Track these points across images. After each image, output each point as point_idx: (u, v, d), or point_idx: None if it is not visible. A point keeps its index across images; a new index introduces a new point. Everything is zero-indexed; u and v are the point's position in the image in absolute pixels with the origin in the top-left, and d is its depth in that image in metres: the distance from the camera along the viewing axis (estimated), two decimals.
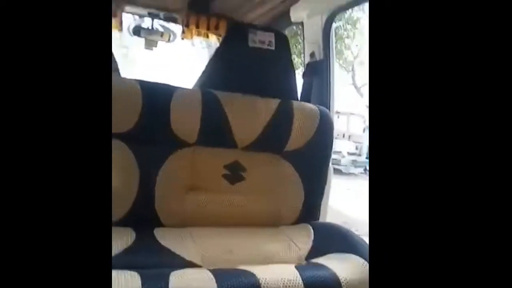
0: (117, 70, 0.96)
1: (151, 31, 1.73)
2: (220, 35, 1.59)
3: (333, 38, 1.12)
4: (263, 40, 0.94)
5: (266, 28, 0.96)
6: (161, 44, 1.76)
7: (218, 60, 0.97)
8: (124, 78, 0.86)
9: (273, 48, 0.94)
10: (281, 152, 0.96)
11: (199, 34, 1.62)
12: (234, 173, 0.95)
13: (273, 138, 0.95)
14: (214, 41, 1.74)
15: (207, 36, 1.65)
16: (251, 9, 1.39)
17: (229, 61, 0.95)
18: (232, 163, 0.95)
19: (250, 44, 0.93)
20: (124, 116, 0.83)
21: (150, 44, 1.73)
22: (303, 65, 1.23)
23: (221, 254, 0.76)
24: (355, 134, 8.87)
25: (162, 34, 1.74)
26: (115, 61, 0.96)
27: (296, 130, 0.93)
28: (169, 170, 0.87)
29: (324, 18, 1.08)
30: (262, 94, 0.94)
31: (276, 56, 0.95)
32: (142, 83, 0.85)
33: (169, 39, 1.75)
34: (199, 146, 0.91)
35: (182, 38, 1.65)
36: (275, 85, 0.97)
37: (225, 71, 0.95)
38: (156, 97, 0.86)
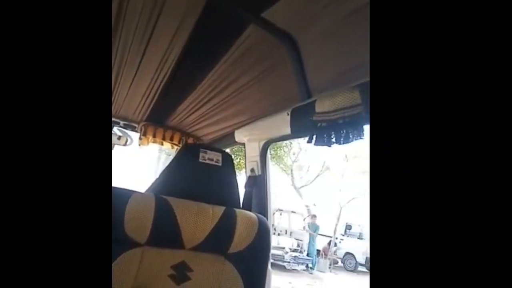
0: None
1: None
2: (174, 144, 1.80)
3: (268, 159, 1.39)
4: (211, 158, 1.16)
5: (214, 149, 1.19)
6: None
7: (172, 170, 1.14)
8: None
9: (220, 164, 1.15)
10: (224, 253, 1.08)
11: (154, 142, 1.82)
12: (181, 274, 1.03)
13: (218, 240, 1.07)
14: (166, 146, 1.95)
15: (162, 144, 1.85)
16: (202, 127, 1.66)
17: (181, 172, 1.13)
18: (179, 264, 1.03)
19: (200, 160, 1.13)
20: None
21: None
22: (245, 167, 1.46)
23: None
24: (296, 231, 9.09)
25: (119, 137, 1.91)
26: None
27: (238, 234, 1.08)
28: (117, 269, 0.93)
29: (261, 144, 1.35)
30: (209, 202, 1.11)
31: (222, 171, 1.16)
32: None
33: (125, 143, 1.92)
34: (148, 246, 0.99)
35: (139, 145, 1.82)
36: (221, 195, 1.15)
37: (177, 180, 1.11)
38: (113, 200, 0.97)
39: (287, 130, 1.18)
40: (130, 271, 0.95)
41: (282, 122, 1.19)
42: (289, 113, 1.15)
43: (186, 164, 1.13)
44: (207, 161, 1.14)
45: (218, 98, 1.30)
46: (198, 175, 1.13)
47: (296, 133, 1.18)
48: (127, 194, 1.00)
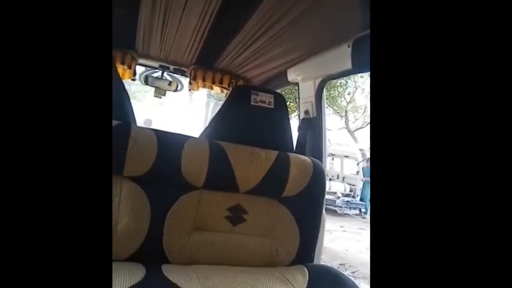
0: (134, 120, 1.09)
1: (160, 79, 1.89)
2: (224, 88, 1.76)
3: (324, 99, 1.28)
4: (263, 100, 1.09)
5: (266, 90, 1.11)
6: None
7: (223, 115, 1.11)
8: (140, 127, 0.99)
9: (272, 106, 1.09)
10: (279, 197, 1.07)
11: (204, 86, 1.79)
12: (236, 215, 1.05)
13: (271, 185, 1.06)
14: (216, 91, 1.92)
15: (212, 88, 1.82)
16: (252, 68, 1.57)
17: (233, 116, 1.09)
18: (234, 206, 1.05)
19: (252, 102, 1.07)
20: (139, 162, 0.94)
21: (159, 93, 1.89)
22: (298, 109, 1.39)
23: None
24: (348, 176, 9.00)
25: (170, 83, 1.91)
26: (133, 112, 1.09)
27: (292, 178, 1.05)
28: (177, 211, 0.97)
29: (317, 82, 1.24)
30: (262, 146, 1.07)
31: (275, 114, 1.10)
32: (157, 133, 0.98)
33: (176, 89, 1.92)
34: (205, 190, 1.01)
35: (189, 89, 1.81)
36: (274, 139, 1.10)
37: (229, 124, 1.09)
38: (170, 145, 0.98)
39: (348, 65, 1.06)
40: (189, 212, 0.99)
41: (341, 56, 1.07)
42: (350, 45, 1.03)
43: (237, 107, 1.09)
44: (259, 104, 1.08)
45: (268, 35, 1.19)
46: (250, 118, 1.08)
47: (358, 68, 1.06)
48: (182, 139, 1.00)
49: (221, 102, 1.32)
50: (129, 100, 1.05)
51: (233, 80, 1.73)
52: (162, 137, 0.98)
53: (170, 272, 0.88)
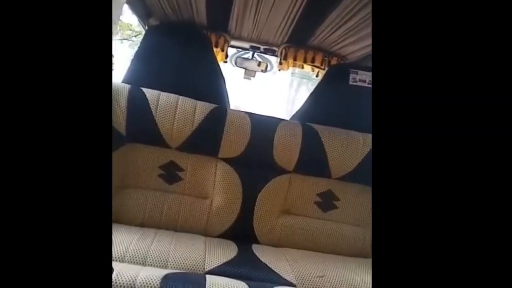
0: (229, 103, 1.11)
1: (250, 60, 1.90)
2: (316, 67, 1.67)
3: None
4: (363, 79, 0.99)
5: (367, 68, 1.01)
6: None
7: (318, 95, 1.05)
8: (236, 111, 1.00)
9: None
10: None
11: (294, 66, 1.73)
12: (327, 202, 1.00)
13: (369, 172, 0.97)
14: (306, 70, 1.84)
15: (302, 67, 1.75)
16: (348, 45, 1.45)
17: (329, 97, 1.02)
18: (325, 192, 1.00)
19: (351, 82, 0.99)
20: (233, 144, 0.95)
21: (249, 74, 1.90)
22: None
23: (314, 277, 0.82)
24: None
25: (259, 63, 1.91)
26: (228, 95, 1.11)
27: None
28: (268, 193, 0.97)
29: None
30: (360, 129, 0.99)
31: None
32: (251, 116, 0.97)
33: (266, 69, 1.91)
34: (296, 174, 0.98)
35: (279, 70, 1.77)
36: None
37: (324, 106, 1.03)
38: (263, 128, 0.97)
39: None
40: (279, 195, 0.98)
41: None
42: None
43: (334, 87, 1.02)
44: (358, 83, 0.99)
45: (364, 12, 1.06)
46: (348, 99, 1.00)
47: None
48: (275, 122, 0.98)
49: (305, 80, 1.25)
50: (225, 83, 1.07)
51: (326, 58, 1.63)
52: (256, 120, 0.97)
53: (261, 252, 0.90)
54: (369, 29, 1.19)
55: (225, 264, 0.80)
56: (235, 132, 0.95)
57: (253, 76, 1.93)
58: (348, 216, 1.00)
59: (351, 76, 0.99)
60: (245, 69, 1.92)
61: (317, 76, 1.76)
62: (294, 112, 1.14)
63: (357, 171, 0.97)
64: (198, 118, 0.94)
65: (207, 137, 0.95)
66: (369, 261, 0.94)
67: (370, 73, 0.99)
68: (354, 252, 0.98)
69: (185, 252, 0.79)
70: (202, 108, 0.95)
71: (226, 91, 1.07)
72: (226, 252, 0.86)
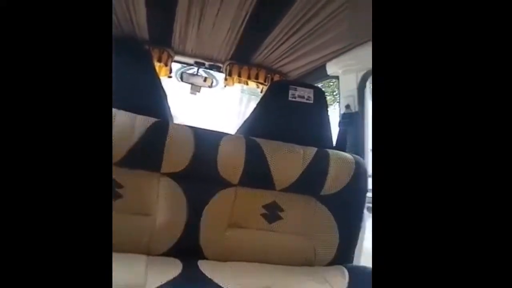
0: (171, 117, 1.10)
1: (195, 75, 1.90)
2: (259, 83, 1.73)
3: (367, 93, 1.21)
4: (302, 95, 1.05)
5: (306, 85, 1.07)
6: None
7: (260, 111, 1.08)
8: (178, 125, 0.99)
9: (311, 101, 1.04)
10: (317, 195, 1.02)
11: (239, 82, 1.77)
12: (272, 213, 1.02)
13: (310, 182, 1.01)
14: (251, 86, 1.89)
15: (247, 83, 1.80)
16: (289, 62, 1.53)
17: (270, 112, 1.06)
18: (270, 203, 1.02)
19: (290, 98, 1.03)
20: (176, 159, 0.94)
21: (194, 89, 1.90)
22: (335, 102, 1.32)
23: None
24: None
25: (205, 79, 1.91)
26: (170, 109, 1.09)
27: (332, 176, 1.00)
28: (213, 207, 0.96)
29: (360, 75, 1.18)
30: (300, 142, 1.03)
31: (314, 109, 1.05)
32: (194, 130, 0.97)
33: (211, 85, 1.92)
34: (241, 186, 0.99)
35: (224, 86, 1.80)
36: (313, 135, 1.06)
37: (266, 120, 1.06)
38: (206, 141, 0.97)
39: None
40: (225, 209, 0.98)
41: None
42: None
43: (275, 103, 1.05)
44: (298, 99, 1.04)
45: (306, 28, 1.14)
46: (288, 114, 1.05)
47: None
48: (219, 136, 0.99)
49: (254, 97, 1.29)
50: (167, 97, 1.05)
51: (269, 75, 1.70)
52: (199, 134, 0.97)
53: (207, 268, 0.88)
54: (310, 47, 1.28)
55: (168, 283, 0.77)
56: (177, 146, 0.93)
57: (199, 91, 1.93)
58: (293, 226, 1.02)
59: (291, 92, 1.03)
60: (191, 84, 1.92)
61: (261, 92, 1.81)
62: None
63: (299, 182, 1.01)
64: (137, 133, 0.91)
65: (148, 152, 0.92)
66: (315, 269, 0.96)
67: (309, 89, 1.04)
68: (300, 262, 1.00)
69: (123, 273, 0.74)
70: (141, 122, 0.92)
71: (168, 106, 1.05)
72: (169, 270, 0.83)
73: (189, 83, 1.93)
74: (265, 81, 1.70)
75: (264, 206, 1.02)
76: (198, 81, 1.91)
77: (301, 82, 1.20)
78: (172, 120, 1.05)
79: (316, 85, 1.17)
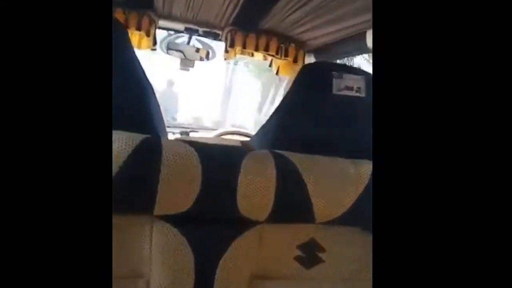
0: (165, 130, 0.77)
1: (186, 46, 1.56)
2: (270, 55, 1.39)
3: None
4: (350, 85, 0.73)
5: (353, 70, 0.75)
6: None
7: (291, 110, 0.76)
8: (175, 142, 0.66)
9: (363, 95, 0.73)
10: (368, 226, 0.75)
11: (243, 53, 1.44)
12: (310, 254, 0.76)
13: (365, 211, 0.74)
14: (257, 58, 1.55)
15: (252, 55, 1.46)
16: (311, 28, 1.18)
17: (306, 112, 0.75)
18: (307, 242, 0.75)
19: (335, 91, 0.72)
20: (176, 194, 0.63)
21: (186, 64, 1.55)
22: None
23: None
24: None
25: (197, 50, 1.57)
26: (160, 113, 0.76)
27: None
28: (232, 259, 0.68)
29: None
30: (352, 156, 0.74)
31: (366, 106, 0.74)
32: (200, 150, 0.64)
33: (207, 57, 1.57)
34: (269, 224, 0.71)
35: (225, 59, 1.46)
36: (366, 145, 0.76)
37: (301, 125, 0.75)
38: (220, 167, 0.65)
39: None
40: (248, 258, 0.70)
41: None
42: None
43: (313, 97, 0.74)
44: (345, 92, 0.72)
45: None
46: (333, 114, 0.73)
47: None
48: (237, 154, 0.66)
49: (240, 64, 0.98)
50: (157, 101, 0.71)
51: (282, 45, 1.36)
52: (207, 154, 0.65)
53: None
54: (345, 9, 0.93)
55: None
56: (177, 175, 0.61)
57: (192, 66, 1.58)
58: (338, 270, 0.76)
59: (335, 81, 0.71)
60: (181, 57, 1.57)
61: (270, 66, 1.48)
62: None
63: (351, 212, 0.73)
64: (118, 159, 0.58)
65: (135, 186, 0.60)
66: None
67: (358, 77, 0.73)
68: None
69: None
70: (122, 143, 0.59)
71: (158, 108, 0.72)
72: None
73: (177, 55, 1.58)
74: (277, 53, 1.37)
75: (299, 247, 0.75)
76: (190, 52, 1.56)
77: (345, 65, 0.87)
78: (165, 131, 0.73)
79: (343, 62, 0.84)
